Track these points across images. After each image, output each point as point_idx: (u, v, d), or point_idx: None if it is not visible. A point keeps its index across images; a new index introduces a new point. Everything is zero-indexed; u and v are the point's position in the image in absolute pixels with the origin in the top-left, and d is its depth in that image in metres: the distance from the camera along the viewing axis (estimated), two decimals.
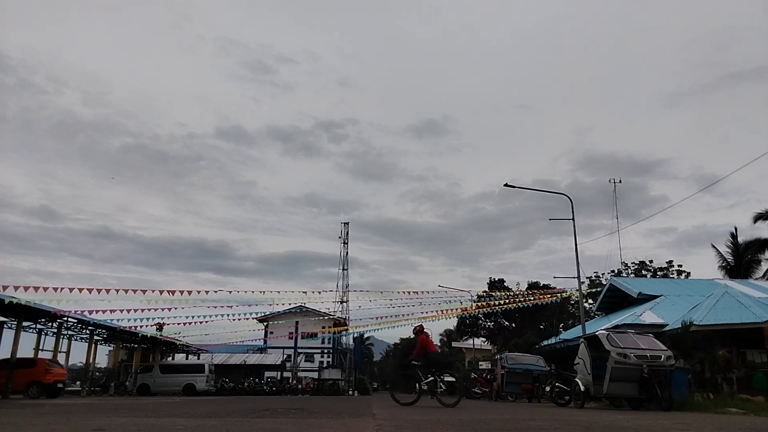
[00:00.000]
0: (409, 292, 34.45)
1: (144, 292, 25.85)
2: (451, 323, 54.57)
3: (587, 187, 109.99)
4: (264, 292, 31.41)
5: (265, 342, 51.95)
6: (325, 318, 48.83)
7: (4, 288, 20.11)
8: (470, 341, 48.76)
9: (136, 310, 26.73)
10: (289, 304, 38.15)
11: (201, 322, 32.71)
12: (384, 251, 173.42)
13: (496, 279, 46.81)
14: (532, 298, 34.13)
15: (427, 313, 35.79)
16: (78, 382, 30.93)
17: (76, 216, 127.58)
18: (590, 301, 36.44)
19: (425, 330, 12.86)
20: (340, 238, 55.13)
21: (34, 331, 24.69)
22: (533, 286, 41.36)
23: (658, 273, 40.37)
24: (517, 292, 38.29)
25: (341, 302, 50.74)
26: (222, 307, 30.29)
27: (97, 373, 34.12)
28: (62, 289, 22.64)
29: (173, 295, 26.34)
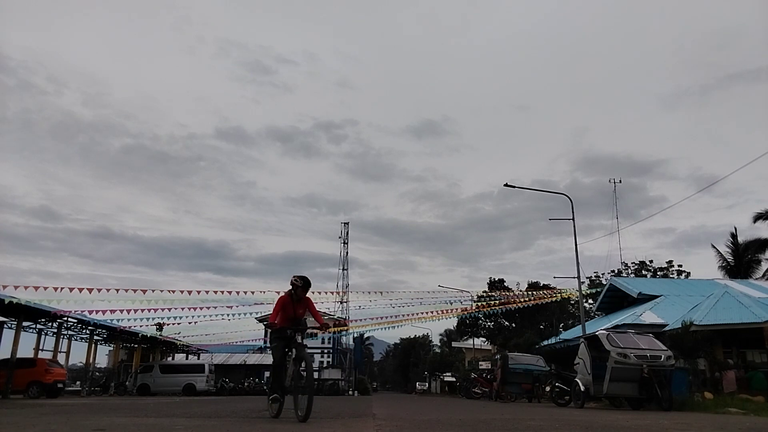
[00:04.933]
0: (409, 292, 34.41)
1: (144, 292, 25.87)
2: (451, 323, 54.65)
3: (586, 188, 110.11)
4: (264, 292, 31.41)
5: (265, 342, 51.96)
6: (325, 318, 48.80)
7: (4, 288, 20.14)
8: (470, 341, 48.79)
9: (136, 310, 26.76)
10: None
11: (201, 322, 32.74)
12: (383, 251, 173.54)
13: (496, 279, 46.85)
14: (532, 299, 34.13)
15: (427, 313, 35.78)
16: (78, 382, 30.93)
17: (76, 216, 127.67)
18: (590, 301, 36.44)
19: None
20: (339, 238, 55.11)
21: (34, 331, 24.69)
22: (533, 287, 41.37)
23: (658, 273, 40.38)
24: (517, 293, 38.30)
25: (341, 302, 50.73)
26: (222, 307, 30.31)
27: (97, 373, 34.13)
28: (62, 289, 22.68)
29: (173, 294, 26.37)
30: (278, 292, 33.77)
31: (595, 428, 5.48)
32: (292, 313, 6.51)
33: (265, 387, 36.31)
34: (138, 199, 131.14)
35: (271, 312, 6.59)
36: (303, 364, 5.98)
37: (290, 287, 6.57)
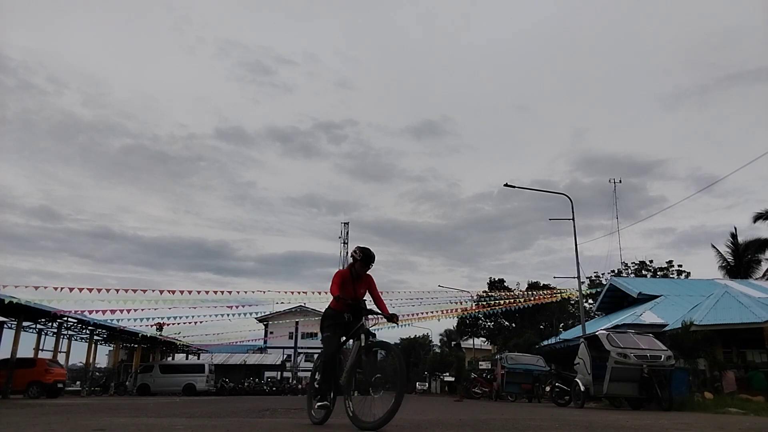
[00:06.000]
0: (409, 292, 34.43)
1: (144, 292, 25.87)
2: (451, 323, 54.66)
3: (586, 188, 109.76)
4: (264, 292, 31.54)
5: (265, 342, 52.00)
6: None
7: (4, 287, 20.16)
8: (470, 341, 48.80)
9: (136, 310, 26.76)
10: (289, 303, 38.22)
11: (201, 322, 32.77)
12: (383, 251, 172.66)
13: (496, 279, 46.86)
14: (532, 299, 34.15)
15: (427, 313, 35.79)
16: (78, 382, 30.98)
17: (76, 216, 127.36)
18: (590, 301, 36.45)
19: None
20: (340, 238, 55.05)
21: (34, 331, 24.71)
22: (533, 287, 41.39)
23: (658, 273, 40.42)
24: (517, 293, 38.31)
25: None
26: (222, 307, 30.33)
27: (97, 373, 34.16)
28: (62, 289, 22.68)
29: (173, 295, 26.36)
30: (278, 292, 34.11)
31: (595, 428, 5.48)
32: (352, 292, 5.38)
33: (265, 388, 36.31)
34: (138, 199, 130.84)
35: (331, 287, 5.33)
36: (381, 354, 4.90)
37: (351, 261, 5.47)
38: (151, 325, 30.78)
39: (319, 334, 5.47)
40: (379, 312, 5.50)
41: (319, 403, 5.19)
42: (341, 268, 5.82)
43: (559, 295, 33.98)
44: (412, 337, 78.78)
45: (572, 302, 39.30)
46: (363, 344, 4.96)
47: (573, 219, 21.48)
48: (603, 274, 41.03)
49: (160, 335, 34.19)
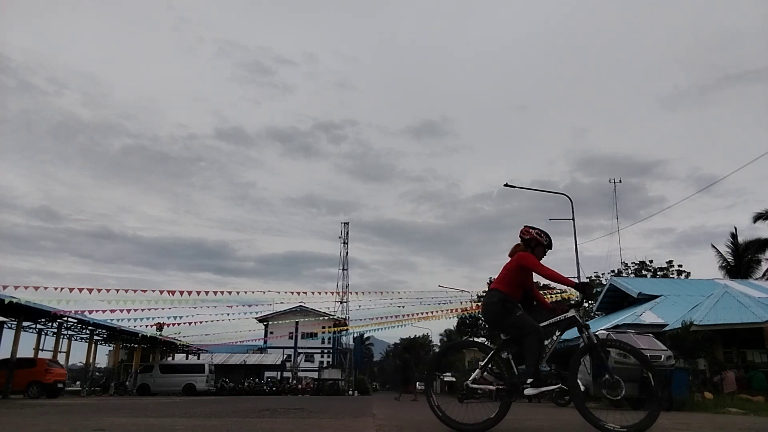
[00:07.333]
0: (409, 292, 34.49)
1: (144, 292, 25.89)
2: (451, 323, 54.71)
3: (585, 188, 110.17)
4: (264, 292, 31.59)
5: (265, 342, 52.03)
6: (325, 318, 48.92)
7: (4, 288, 20.15)
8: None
9: (136, 310, 26.77)
10: (289, 303, 38.26)
11: (201, 322, 32.80)
12: (383, 251, 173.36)
13: None
14: None
15: (427, 313, 35.83)
16: (78, 382, 30.99)
17: (76, 216, 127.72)
18: (590, 301, 36.45)
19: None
20: (340, 238, 55.31)
21: (34, 331, 24.72)
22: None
23: (658, 273, 40.42)
24: None
25: (341, 302, 50.80)
26: (222, 307, 30.37)
27: (97, 373, 34.17)
28: (62, 289, 22.69)
29: (173, 295, 26.36)
30: (278, 292, 34.20)
31: (595, 428, 5.48)
32: (531, 281, 4.66)
33: (265, 388, 36.23)
34: (138, 199, 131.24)
35: (520, 266, 4.47)
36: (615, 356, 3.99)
37: (521, 242, 4.61)
38: (151, 325, 30.82)
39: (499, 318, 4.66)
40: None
41: (555, 387, 4.61)
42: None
43: (559, 295, 33.97)
44: (412, 337, 78.97)
45: (572, 302, 39.31)
46: (592, 343, 4.47)
47: (573, 219, 21.54)
48: (603, 274, 41.06)
49: (160, 335, 34.19)
